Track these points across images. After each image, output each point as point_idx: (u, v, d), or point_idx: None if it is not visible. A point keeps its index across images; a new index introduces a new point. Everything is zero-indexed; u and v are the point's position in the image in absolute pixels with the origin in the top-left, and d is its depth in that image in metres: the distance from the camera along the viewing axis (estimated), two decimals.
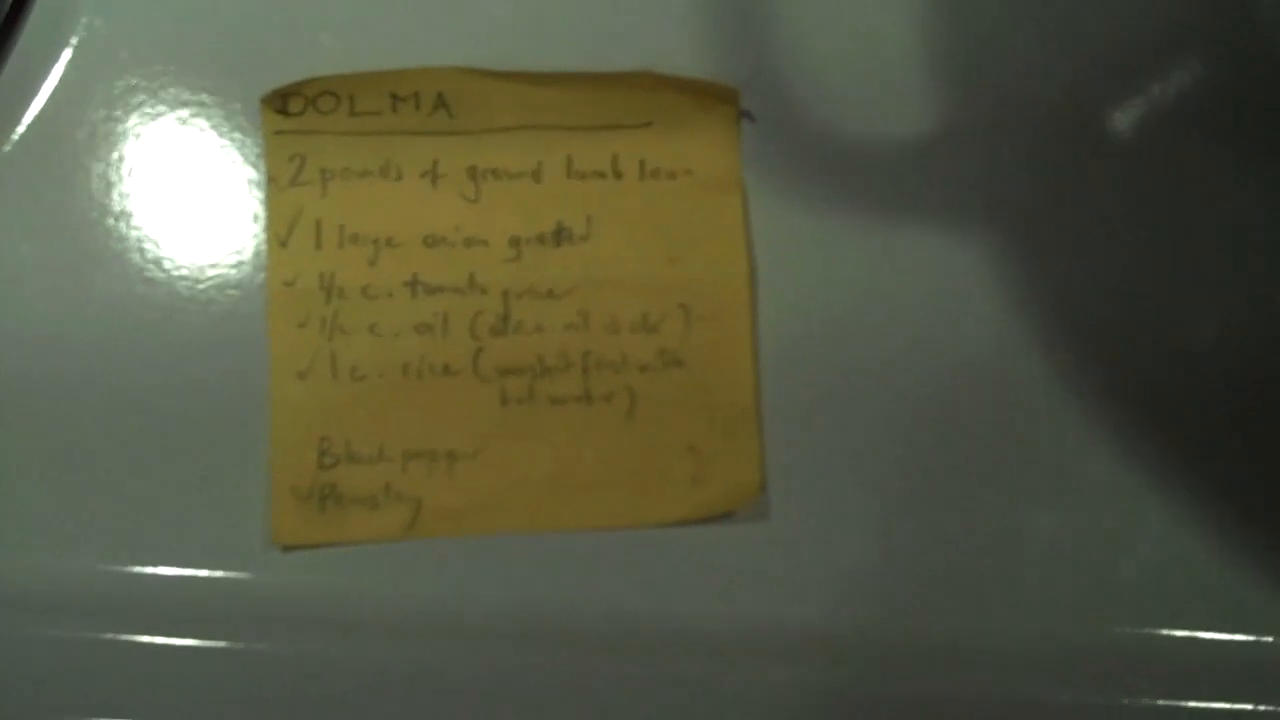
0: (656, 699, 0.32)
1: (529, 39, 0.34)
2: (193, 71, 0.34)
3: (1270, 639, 0.32)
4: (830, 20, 0.34)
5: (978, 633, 0.32)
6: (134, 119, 0.34)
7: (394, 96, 0.34)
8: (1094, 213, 0.34)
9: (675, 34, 0.34)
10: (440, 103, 0.34)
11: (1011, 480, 0.33)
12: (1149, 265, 0.34)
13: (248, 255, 0.33)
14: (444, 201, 0.33)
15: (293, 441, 0.32)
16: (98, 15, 0.34)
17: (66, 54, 0.34)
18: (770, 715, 0.32)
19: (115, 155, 0.34)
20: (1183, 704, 0.32)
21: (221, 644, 0.32)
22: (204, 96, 0.34)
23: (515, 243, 0.33)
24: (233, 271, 0.33)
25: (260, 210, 0.33)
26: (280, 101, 0.34)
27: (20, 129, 0.34)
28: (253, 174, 0.34)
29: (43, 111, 0.34)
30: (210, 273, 0.33)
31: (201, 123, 0.34)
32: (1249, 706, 0.32)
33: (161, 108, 0.34)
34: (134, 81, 0.34)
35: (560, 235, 0.33)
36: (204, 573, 0.32)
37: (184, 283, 0.33)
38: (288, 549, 0.32)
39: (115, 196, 0.34)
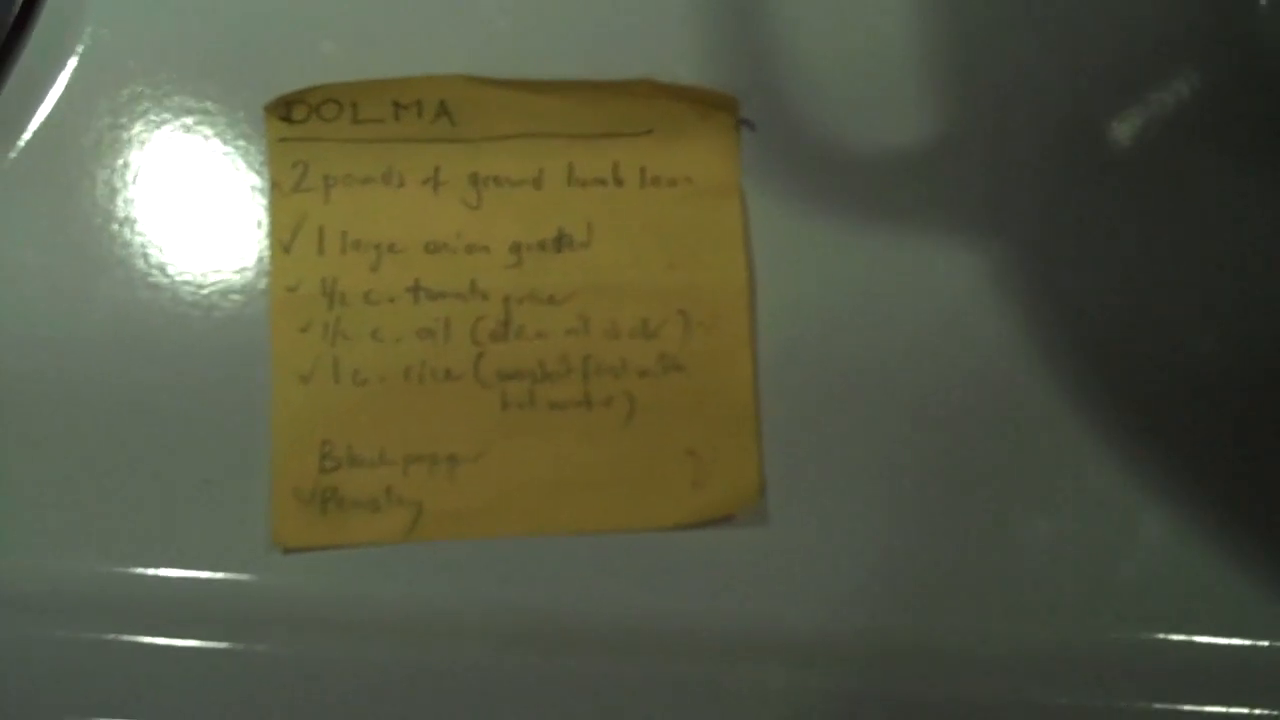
0: (656, 701, 0.32)
1: (530, 47, 0.34)
2: (197, 79, 0.34)
3: (1267, 643, 0.32)
4: (829, 28, 0.35)
5: (976, 636, 0.33)
6: (139, 126, 0.34)
7: (396, 104, 0.34)
8: (1092, 219, 0.34)
9: (675, 42, 0.34)
10: (442, 110, 0.34)
11: (1009, 485, 0.33)
12: (1148, 271, 0.34)
13: (251, 261, 0.34)
14: (446, 208, 0.34)
15: (295, 445, 0.32)
16: (103, 24, 0.34)
17: (72, 62, 0.34)
18: (769, 718, 0.32)
19: (120, 162, 0.34)
20: (1180, 708, 0.32)
21: (223, 645, 0.32)
22: (208, 104, 0.34)
23: (516, 249, 0.34)
24: (236, 277, 0.33)
25: (264, 216, 0.34)
26: (284, 109, 0.34)
27: (26, 136, 0.34)
28: (256, 180, 0.34)
29: (48, 119, 0.34)
30: (214, 278, 0.33)
31: (206, 130, 0.34)
32: (1246, 710, 0.32)
33: (166, 115, 0.34)
34: (139, 89, 0.34)
35: (561, 242, 0.34)
36: (206, 574, 0.32)
37: (188, 288, 0.33)
38: (289, 551, 0.32)
39: (120, 203, 0.34)
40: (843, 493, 0.33)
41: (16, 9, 0.34)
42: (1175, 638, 0.33)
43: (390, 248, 0.33)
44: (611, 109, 0.34)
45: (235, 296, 0.33)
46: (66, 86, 0.34)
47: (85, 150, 0.34)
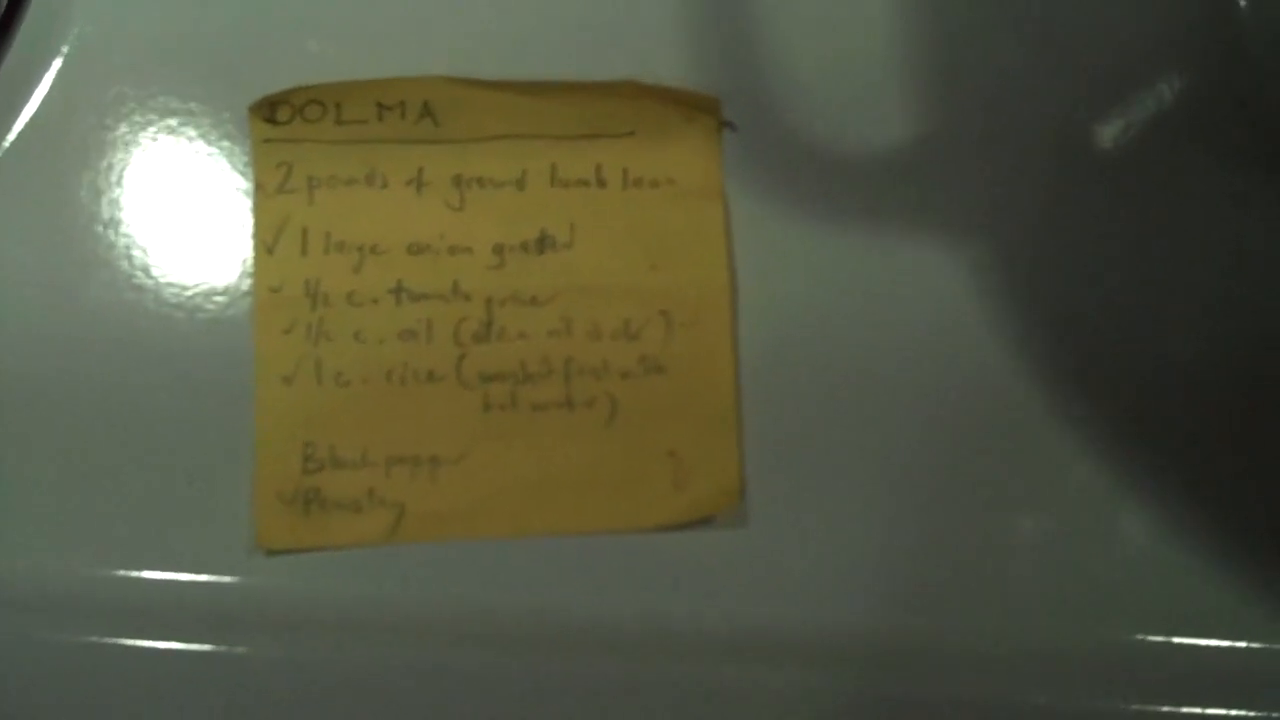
0: (636, 702, 0.32)
1: (514, 49, 0.34)
2: (182, 80, 0.34)
3: (1258, 645, 0.32)
4: (813, 29, 0.35)
5: (960, 637, 0.33)
6: (124, 127, 0.34)
7: (380, 105, 0.34)
8: (1077, 220, 0.34)
9: (658, 44, 0.34)
10: (426, 112, 0.34)
11: (994, 486, 0.33)
12: (1134, 272, 0.34)
13: (235, 262, 0.34)
14: (429, 209, 0.34)
15: (277, 446, 0.33)
16: (89, 24, 0.35)
17: (57, 62, 0.34)
18: (751, 717, 0.32)
19: (105, 163, 0.34)
20: (1166, 709, 0.32)
21: (206, 647, 0.32)
22: (193, 105, 0.34)
23: (499, 250, 0.34)
24: (220, 277, 0.34)
25: (248, 217, 0.34)
26: (268, 110, 0.34)
27: (11, 136, 0.34)
28: (240, 181, 0.34)
29: (33, 119, 0.34)
30: (198, 279, 0.34)
31: (190, 131, 0.34)
32: (1236, 712, 0.32)
33: (151, 116, 0.34)
34: (124, 90, 0.34)
35: (544, 243, 0.34)
36: (188, 576, 0.32)
37: (172, 289, 0.34)
38: (272, 553, 0.32)
39: (105, 204, 0.34)
40: (823, 494, 0.33)
41: (2, 9, 0.34)
42: (1162, 639, 0.33)
43: (373, 249, 0.34)
44: (594, 110, 0.34)
45: (219, 297, 0.34)
46: (51, 87, 0.34)
47: (70, 151, 0.34)
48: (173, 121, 0.34)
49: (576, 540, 0.33)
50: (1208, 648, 0.33)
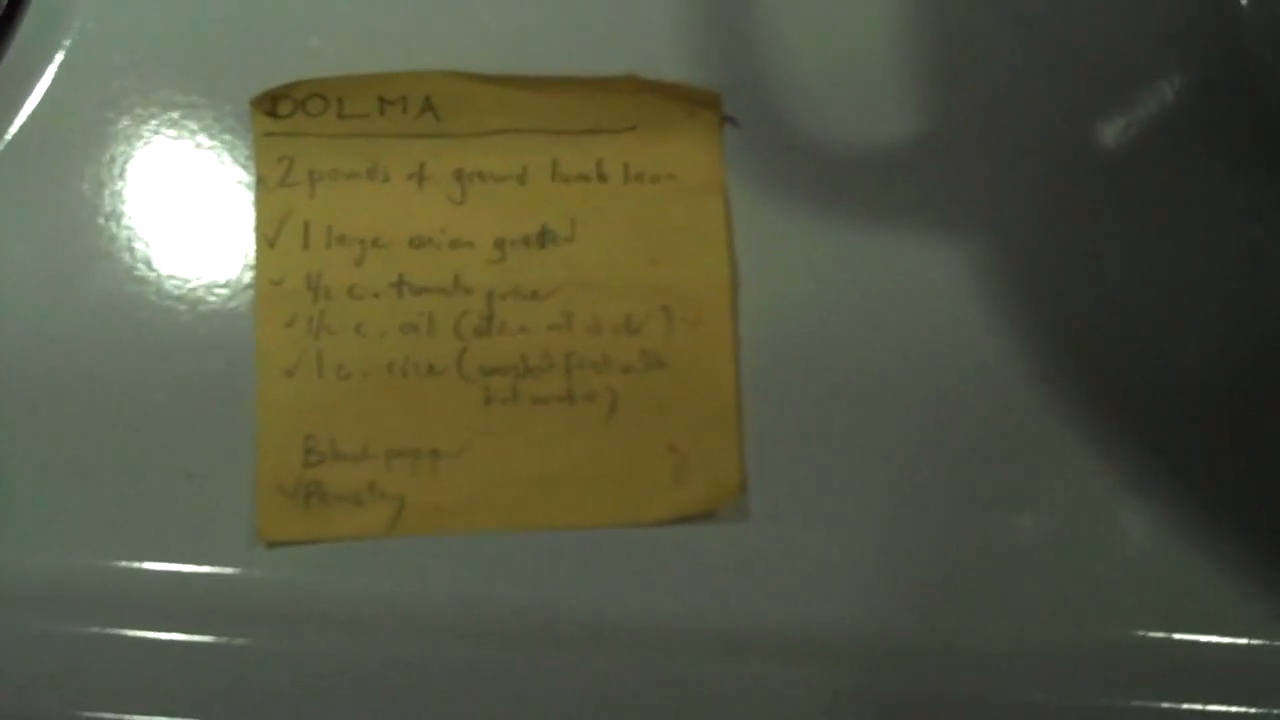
0: (636, 697, 0.32)
1: (515, 44, 0.34)
2: (184, 74, 0.34)
3: (1258, 642, 0.32)
4: (813, 26, 0.35)
5: (960, 633, 0.33)
6: (126, 120, 0.34)
7: (382, 100, 0.34)
8: (1077, 218, 0.34)
9: (659, 39, 0.34)
10: (427, 106, 0.34)
11: (995, 482, 0.33)
12: (1135, 271, 0.34)
13: (236, 255, 0.34)
14: (430, 203, 0.34)
15: (278, 439, 0.33)
16: (91, 18, 0.35)
17: (60, 56, 0.34)
18: (749, 714, 0.32)
19: (107, 156, 0.34)
20: (1167, 705, 0.32)
21: (207, 639, 0.32)
22: (195, 99, 0.34)
23: (500, 244, 0.34)
24: (221, 271, 0.34)
25: (249, 211, 0.34)
26: (270, 104, 0.34)
27: (13, 129, 0.34)
28: (242, 175, 0.34)
29: (35, 112, 0.34)
30: (199, 272, 0.34)
31: (192, 124, 0.34)
32: (1236, 708, 0.32)
33: (153, 109, 0.34)
34: (126, 83, 0.34)
35: (545, 237, 0.34)
36: (189, 568, 0.32)
37: (173, 281, 0.34)
38: (273, 545, 0.32)
39: (107, 196, 0.34)
40: (824, 490, 0.33)
41: (5, 3, 0.34)
42: (1162, 635, 0.33)
43: (375, 242, 0.34)
44: (596, 105, 0.34)
45: (220, 290, 0.34)
46: (54, 80, 0.34)
47: (72, 144, 0.34)
48: (175, 115, 0.34)
49: (576, 534, 0.33)
50: (1208, 644, 0.33)
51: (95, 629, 0.32)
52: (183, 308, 0.33)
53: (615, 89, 0.34)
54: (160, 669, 0.32)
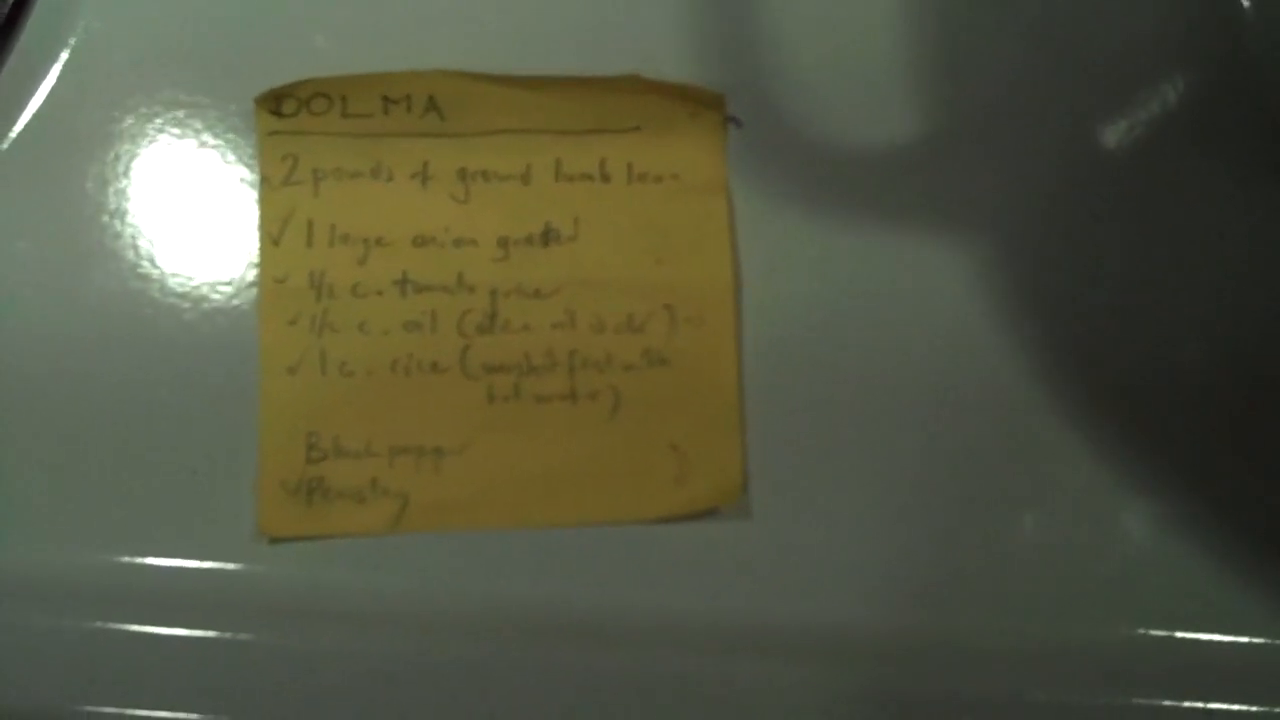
0: (639, 694, 0.32)
1: (519, 43, 0.34)
2: (188, 73, 0.35)
3: (1260, 640, 0.33)
4: (817, 26, 0.35)
5: (962, 632, 0.33)
6: (130, 119, 0.34)
7: (386, 99, 0.34)
8: (1080, 219, 0.34)
9: (663, 39, 0.34)
10: (431, 105, 0.34)
11: (997, 481, 0.33)
12: (1137, 271, 0.34)
13: (240, 253, 0.34)
14: (434, 202, 0.34)
15: (281, 436, 0.33)
16: (96, 18, 0.35)
17: (64, 55, 0.34)
18: (751, 712, 0.32)
19: (111, 155, 0.34)
20: (1169, 704, 0.32)
21: (210, 634, 0.32)
22: (199, 97, 0.34)
23: (503, 243, 0.34)
24: (225, 269, 0.34)
25: (253, 209, 0.34)
26: (274, 103, 0.34)
27: (18, 128, 0.34)
28: (246, 174, 0.34)
29: (40, 111, 0.34)
30: (203, 270, 0.34)
31: (196, 123, 0.34)
32: (1238, 706, 0.32)
33: (157, 108, 0.34)
34: (130, 82, 0.34)
35: (548, 236, 0.34)
36: (192, 563, 0.32)
37: (177, 279, 0.34)
38: (275, 541, 0.32)
39: (111, 195, 0.34)
40: (826, 489, 0.33)
41: (9, 2, 0.34)
42: (1163, 634, 0.33)
43: (378, 241, 0.34)
44: (599, 105, 0.34)
45: (224, 288, 0.34)
46: (58, 79, 0.34)
47: (77, 142, 0.34)
48: (179, 114, 0.34)
49: (579, 532, 0.33)
50: (1209, 643, 0.33)
51: (99, 624, 0.32)
52: (187, 305, 0.33)
53: (619, 89, 0.34)
54: (163, 664, 0.32)
